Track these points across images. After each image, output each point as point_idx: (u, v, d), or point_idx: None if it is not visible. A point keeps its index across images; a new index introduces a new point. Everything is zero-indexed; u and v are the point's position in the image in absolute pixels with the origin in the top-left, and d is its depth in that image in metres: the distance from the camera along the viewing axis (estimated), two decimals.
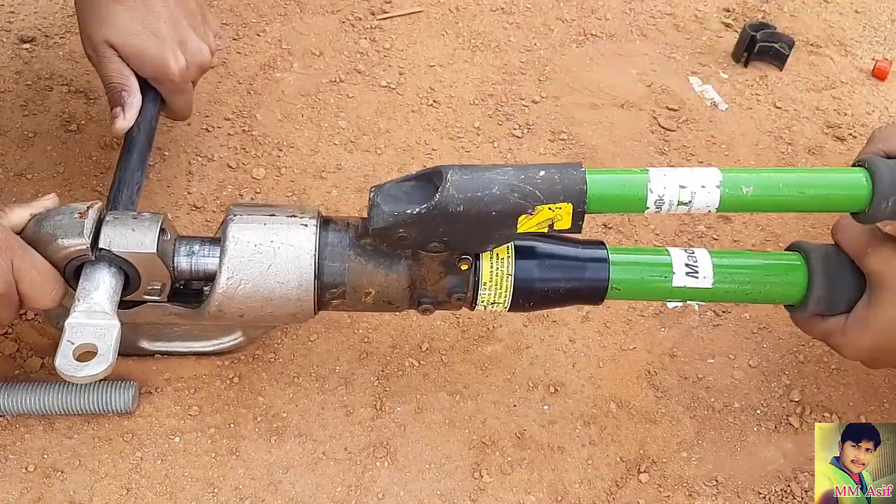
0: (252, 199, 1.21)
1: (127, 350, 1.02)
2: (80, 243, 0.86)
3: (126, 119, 1.02)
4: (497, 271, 0.94)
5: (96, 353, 0.82)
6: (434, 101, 1.35)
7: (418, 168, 1.27)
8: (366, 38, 1.43)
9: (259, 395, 1.02)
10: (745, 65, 1.51)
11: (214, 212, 1.18)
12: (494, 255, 0.94)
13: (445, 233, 0.85)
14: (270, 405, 1.01)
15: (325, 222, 0.93)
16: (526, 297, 0.95)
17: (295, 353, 1.06)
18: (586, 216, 0.85)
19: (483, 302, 0.95)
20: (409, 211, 0.84)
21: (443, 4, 1.57)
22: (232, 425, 0.99)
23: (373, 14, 1.52)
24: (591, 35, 1.56)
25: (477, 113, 1.35)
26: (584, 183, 0.82)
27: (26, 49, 1.31)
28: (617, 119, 1.38)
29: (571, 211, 0.84)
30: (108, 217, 0.88)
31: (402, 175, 0.89)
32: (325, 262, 0.90)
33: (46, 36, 1.35)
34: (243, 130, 1.26)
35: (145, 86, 1.06)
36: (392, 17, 1.52)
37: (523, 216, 0.84)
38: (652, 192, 0.85)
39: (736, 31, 1.56)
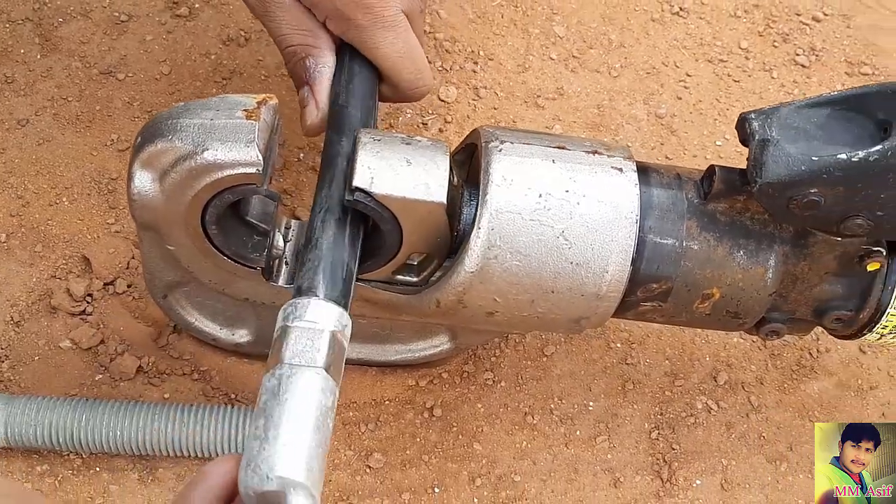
0: (441, 130, 0.83)
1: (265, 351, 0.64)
2: (250, 160, 0.50)
3: (320, 106, 0.60)
4: None
5: None
6: (681, 9, 0.99)
7: (670, 98, 0.93)
8: None
9: (475, 439, 0.66)
10: None
11: None
12: None
13: (889, 201, 0.50)
14: (494, 459, 0.65)
15: (642, 170, 0.54)
16: None
17: (523, 374, 0.70)
18: None
19: (885, 328, 0.59)
20: (840, 156, 0.49)
21: None
22: (437, 489, 0.63)
23: None
24: None
25: (741, 29, 0.99)
26: None
27: None
28: None
29: None
30: (363, 137, 0.53)
31: (801, 100, 0.51)
32: (648, 237, 0.55)
33: None
34: (423, 31, 0.86)
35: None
36: None
37: None
38: None
39: None
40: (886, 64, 1.00)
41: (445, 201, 0.52)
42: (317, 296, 0.47)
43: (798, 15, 1.03)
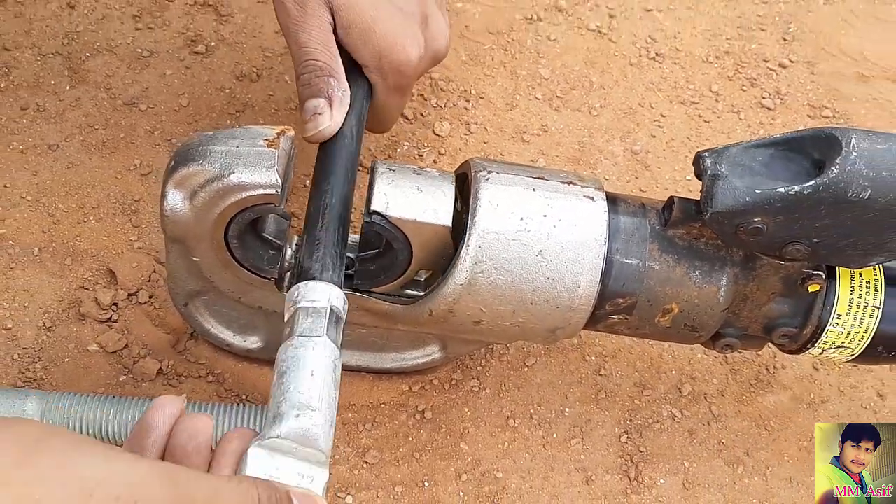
0: (435, 161, 0.90)
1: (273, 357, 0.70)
2: (270, 182, 0.57)
3: (334, 119, 0.64)
4: (860, 301, 0.63)
5: None
6: (657, 55, 1.05)
7: (645, 136, 1.00)
8: None
9: (462, 440, 0.72)
10: None
11: None
12: (857, 276, 0.63)
13: (823, 230, 0.57)
14: (478, 458, 0.72)
15: (611, 199, 0.62)
16: (890, 344, 0.65)
17: (506, 383, 0.76)
18: None
19: (825, 343, 0.65)
20: (779, 190, 0.56)
21: None
22: (426, 483, 0.70)
23: None
24: None
25: (712, 74, 1.06)
26: None
27: None
28: (894, 96, 1.04)
29: None
30: (380, 167, 0.60)
31: (748, 141, 0.59)
32: (615, 258, 0.61)
33: None
34: None
35: (353, 74, 0.69)
36: None
37: None
38: None
39: None
40: (846, 108, 1.07)
41: (451, 225, 0.59)
42: (341, 288, 0.53)
43: (766, 61, 1.11)
